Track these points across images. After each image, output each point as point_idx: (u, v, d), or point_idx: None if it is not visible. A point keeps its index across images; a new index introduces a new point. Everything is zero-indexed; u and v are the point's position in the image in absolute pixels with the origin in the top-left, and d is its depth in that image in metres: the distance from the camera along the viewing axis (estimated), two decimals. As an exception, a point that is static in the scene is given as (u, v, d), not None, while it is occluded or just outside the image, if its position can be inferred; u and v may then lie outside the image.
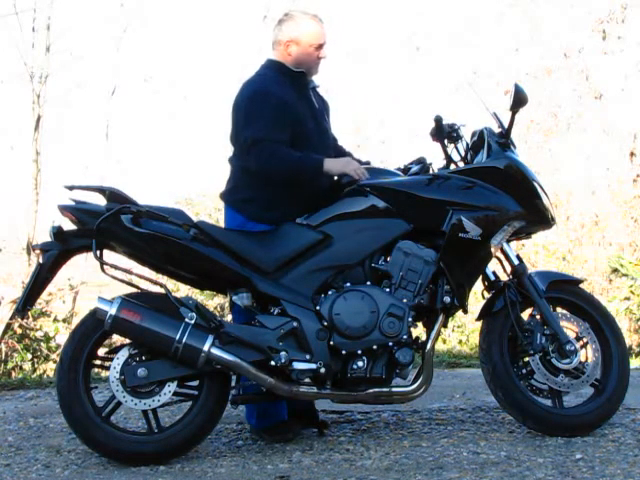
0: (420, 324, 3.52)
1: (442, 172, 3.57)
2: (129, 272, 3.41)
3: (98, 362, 3.36)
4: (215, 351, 3.18)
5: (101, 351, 3.37)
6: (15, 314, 6.40)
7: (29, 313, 6.72)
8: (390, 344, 3.30)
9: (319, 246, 3.37)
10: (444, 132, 3.59)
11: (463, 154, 3.64)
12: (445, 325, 3.50)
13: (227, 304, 3.66)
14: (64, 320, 7.79)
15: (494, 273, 3.63)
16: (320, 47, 3.52)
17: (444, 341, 8.37)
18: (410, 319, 3.33)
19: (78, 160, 12.63)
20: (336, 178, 3.48)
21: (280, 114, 3.38)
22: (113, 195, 3.27)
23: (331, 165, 3.39)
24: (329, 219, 3.41)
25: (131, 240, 3.23)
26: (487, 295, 3.63)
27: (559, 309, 3.65)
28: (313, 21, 3.52)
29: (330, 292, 3.34)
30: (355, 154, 3.82)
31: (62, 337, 7.06)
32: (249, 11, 12.69)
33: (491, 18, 11.14)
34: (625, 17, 10.28)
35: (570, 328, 3.59)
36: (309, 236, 3.38)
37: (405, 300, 3.34)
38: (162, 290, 3.29)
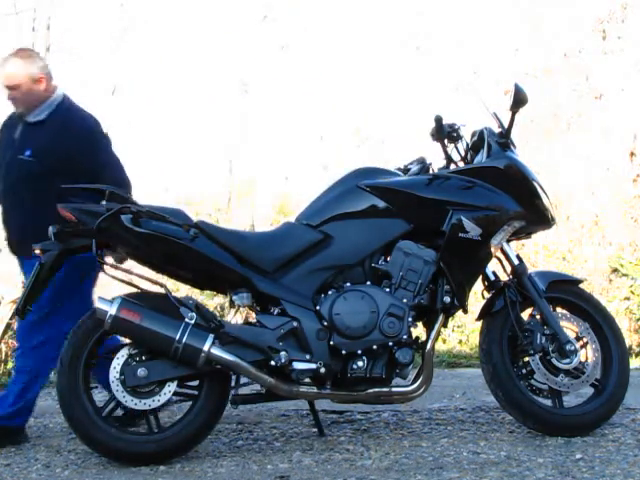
0: (420, 324, 3.52)
1: (442, 172, 3.57)
2: (129, 272, 3.41)
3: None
4: (215, 351, 3.18)
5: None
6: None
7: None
8: (390, 344, 3.30)
9: (319, 246, 3.37)
10: (444, 132, 3.59)
11: (463, 154, 3.64)
12: (445, 325, 3.50)
13: (227, 304, 3.65)
14: (64, 320, 7.77)
15: (494, 273, 3.63)
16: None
17: (444, 341, 8.36)
18: (410, 319, 3.33)
19: (78, 160, 12.61)
20: None
21: None
22: (113, 195, 3.27)
23: None
24: (329, 219, 3.41)
25: (131, 240, 3.22)
26: (487, 295, 3.63)
27: (559, 309, 3.65)
28: None
29: (330, 292, 3.34)
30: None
31: (62, 337, 7.04)
32: (248, 11, 12.69)
33: (491, 18, 11.13)
34: (625, 17, 10.27)
35: (570, 328, 3.59)
36: (309, 236, 3.39)
37: (405, 300, 3.34)
38: (162, 290, 3.29)
